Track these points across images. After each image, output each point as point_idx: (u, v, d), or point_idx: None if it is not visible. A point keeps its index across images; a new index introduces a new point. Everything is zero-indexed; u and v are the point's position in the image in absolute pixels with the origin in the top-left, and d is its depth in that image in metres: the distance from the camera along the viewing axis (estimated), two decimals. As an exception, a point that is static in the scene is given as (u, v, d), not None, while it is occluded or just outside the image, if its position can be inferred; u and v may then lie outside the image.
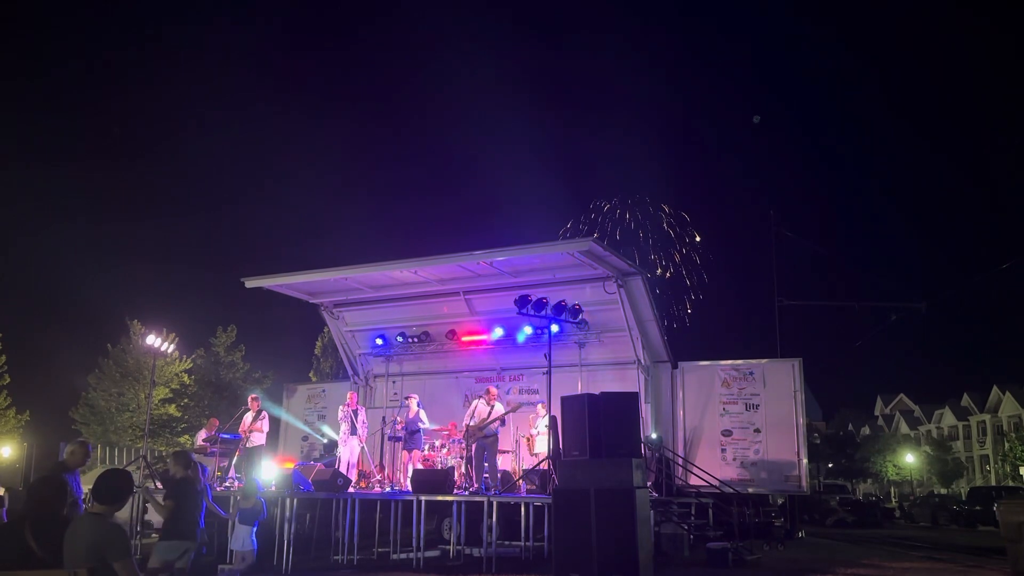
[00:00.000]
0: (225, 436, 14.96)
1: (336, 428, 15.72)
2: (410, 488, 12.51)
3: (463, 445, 13.75)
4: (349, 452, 14.61)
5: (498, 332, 15.83)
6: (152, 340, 20.55)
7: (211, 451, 14.81)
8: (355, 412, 14.83)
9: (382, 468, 14.77)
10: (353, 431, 14.62)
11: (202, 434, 15.85)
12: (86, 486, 9.01)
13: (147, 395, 30.22)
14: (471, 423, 13.43)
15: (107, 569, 4.21)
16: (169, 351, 25.23)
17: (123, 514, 9.93)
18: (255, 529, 10.26)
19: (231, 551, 10.75)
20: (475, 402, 13.83)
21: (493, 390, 13.90)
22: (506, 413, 13.40)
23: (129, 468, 17.79)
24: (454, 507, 11.90)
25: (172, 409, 36.41)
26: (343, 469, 14.03)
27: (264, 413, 15.19)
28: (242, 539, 10.17)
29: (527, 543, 11.39)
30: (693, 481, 14.36)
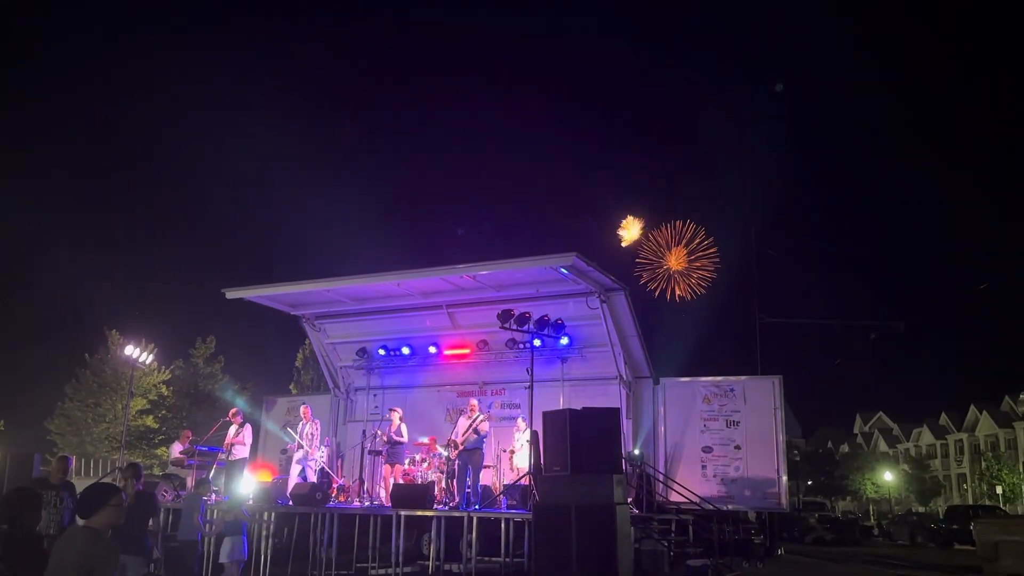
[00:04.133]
0: (203, 449, 14.81)
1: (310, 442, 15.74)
2: (390, 503, 12.42)
3: (444, 459, 13.70)
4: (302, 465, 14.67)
5: (481, 346, 15.82)
6: (130, 350, 20.35)
7: (189, 463, 14.65)
8: (305, 426, 14.86)
9: (362, 482, 14.68)
10: (300, 445, 14.74)
11: (176, 446, 15.69)
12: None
13: (124, 406, 29.87)
14: (455, 438, 13.38)
15: None
16: (147, 361, 24.99)
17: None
18: (244, 537, 10.19)
19: (219, 564, 10.65)
20: (459, 419, 13.81)
21: (473, 403, 13.89)
22: (482, 421, 13.34)
23: (105, 479, 17.56)
24: (433, 522, 11.83)
25: (150, 420, 35.97)
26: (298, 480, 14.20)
27: (248, 426, 15.07)
28: (229, 550, 10.08)
29: (507, 559, 11.32)
30: (674, 497, 14.36)
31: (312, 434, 14.88)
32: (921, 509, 53.26)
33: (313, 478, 14.56)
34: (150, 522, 7.90)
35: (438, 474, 13.78)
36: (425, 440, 14.84)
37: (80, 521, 4.38)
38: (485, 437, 13.49)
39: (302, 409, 15.51)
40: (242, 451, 14.79)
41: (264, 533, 12.39)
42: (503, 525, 11.35)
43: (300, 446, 14.79)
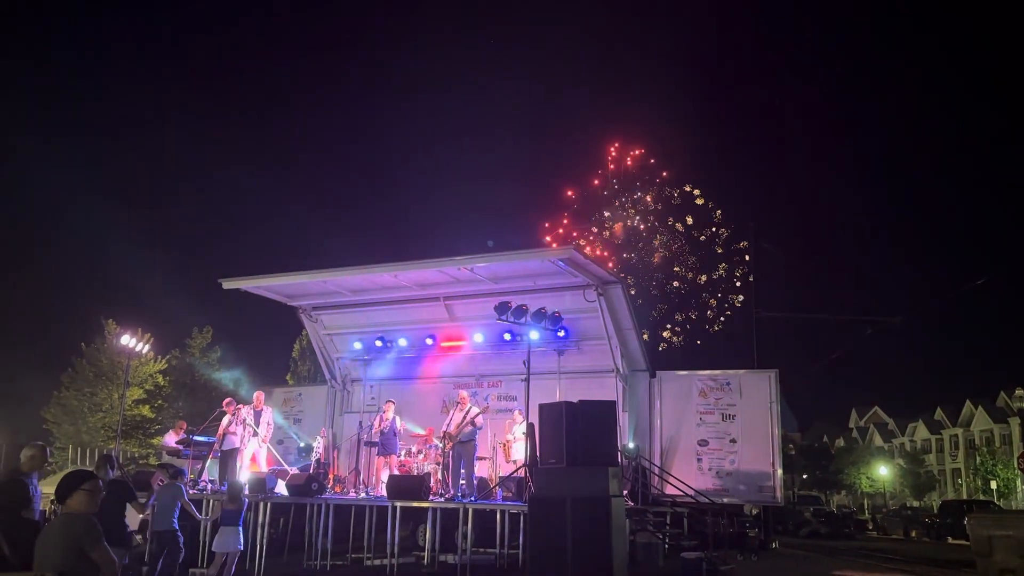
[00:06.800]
0: (199, 439, 14.79)
1: (313, 433, 15.70)
2: (385, 494, 12.43)
3: (440, 451, 13.71)
4: (250, 453, 14.44)
5: (477, 338, 15.80)
6: (127, 340, 20.36)
7: (185, 453, 14.65)
8: (258, 413, 14.62)
9: (357, 472, 14.69)
10: (255, 433, 14.46)
11: (171, 436, 15.66)
12: (47, 488, 8.89)
13: (121, 395, 29.88)
14: (448, 430, 13.40)
15: (83, 567, 4.14)
16: (144, 351, 24.99)
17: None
18: (241, 528, 10.19)
19: (211, 553, 10.63)
20: (452, 411, 13.83)
21: (464, 394, 13.90)
22: (478, 414, 13.36)
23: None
24: (429, 513, 11.85)
25: (146, 410, 36.02)
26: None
27: (240, 416, 15.01)
28: (227, 540, 10.07)
29: (502, 551, 11.36)
30: (669, 490, 14.39)
31: (270, 421, 14.65)
32: (915, 504, 53.49)
33: (264, 466, 14.36)
34: (127, 509, 7.91)
35: (434, 466, 13.80)
36: (421, 431, 14.85)
37: (62, 508, 4.43)
38: (480, 429, 13.52)
39: (255, 395, 15.14)
40: (234, 441, 14.76)
41: (260, 522, 12.39)
42: (499, 517, 11.37)
43: (255, 433, 14.35)
